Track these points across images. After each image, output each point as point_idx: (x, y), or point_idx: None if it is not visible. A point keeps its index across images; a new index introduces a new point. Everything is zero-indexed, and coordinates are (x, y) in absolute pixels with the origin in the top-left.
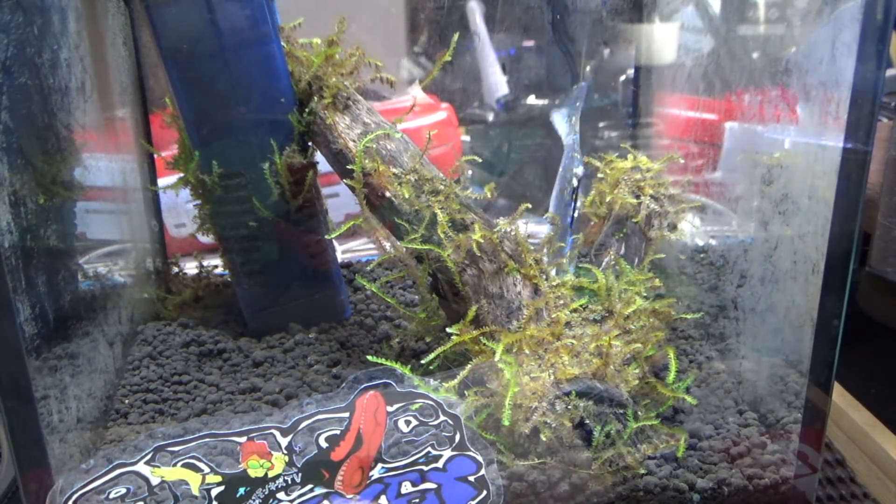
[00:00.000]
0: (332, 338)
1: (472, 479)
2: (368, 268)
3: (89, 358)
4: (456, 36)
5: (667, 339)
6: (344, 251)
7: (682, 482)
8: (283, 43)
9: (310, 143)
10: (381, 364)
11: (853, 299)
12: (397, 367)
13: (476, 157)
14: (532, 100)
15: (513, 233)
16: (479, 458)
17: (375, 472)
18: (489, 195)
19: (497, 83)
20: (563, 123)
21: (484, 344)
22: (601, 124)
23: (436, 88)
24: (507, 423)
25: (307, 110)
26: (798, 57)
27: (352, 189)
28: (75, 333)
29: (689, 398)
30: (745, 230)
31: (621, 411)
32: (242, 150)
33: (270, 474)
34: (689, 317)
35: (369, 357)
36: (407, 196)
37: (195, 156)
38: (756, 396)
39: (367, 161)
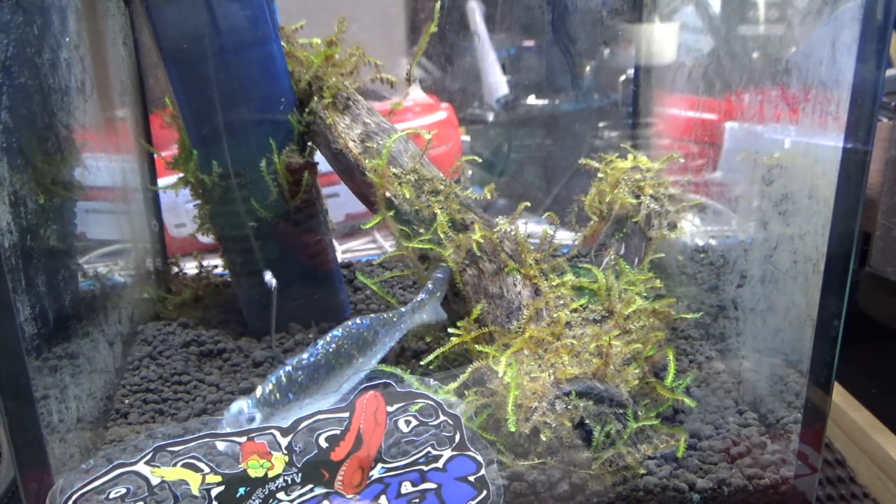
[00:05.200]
0: None
1: (472, 479)
2: (370, 267)
3: (89, 358)
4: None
5: (667, 339)
6: (344, 251)
7: (682, 482)
8: (283, 43)
9: (309, 143)
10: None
11: (853, 299)
12: (396, 370)
13: (476, 157)
14: (532, 100)
15: (513, 233)
16: (479, 458)
17: (375, 472)
18: (489, 196)
19: (497, 83)
20: None
21: (485, 344)
22: (601, 124)
23: (436, 88)
24: (512, 428)
25: (307, 110)
26: (798, 57)
27: (356, 189)
28: (75, 333)
29: (688, 400)
30: (745, 230)
31: (621, 411)
32: (242, 151)
33: (270, 474)
34: (689, 317)
35: None
36: (407, 196)
37: (195, 156)
38: (756, 396)
39: (366, 161)
